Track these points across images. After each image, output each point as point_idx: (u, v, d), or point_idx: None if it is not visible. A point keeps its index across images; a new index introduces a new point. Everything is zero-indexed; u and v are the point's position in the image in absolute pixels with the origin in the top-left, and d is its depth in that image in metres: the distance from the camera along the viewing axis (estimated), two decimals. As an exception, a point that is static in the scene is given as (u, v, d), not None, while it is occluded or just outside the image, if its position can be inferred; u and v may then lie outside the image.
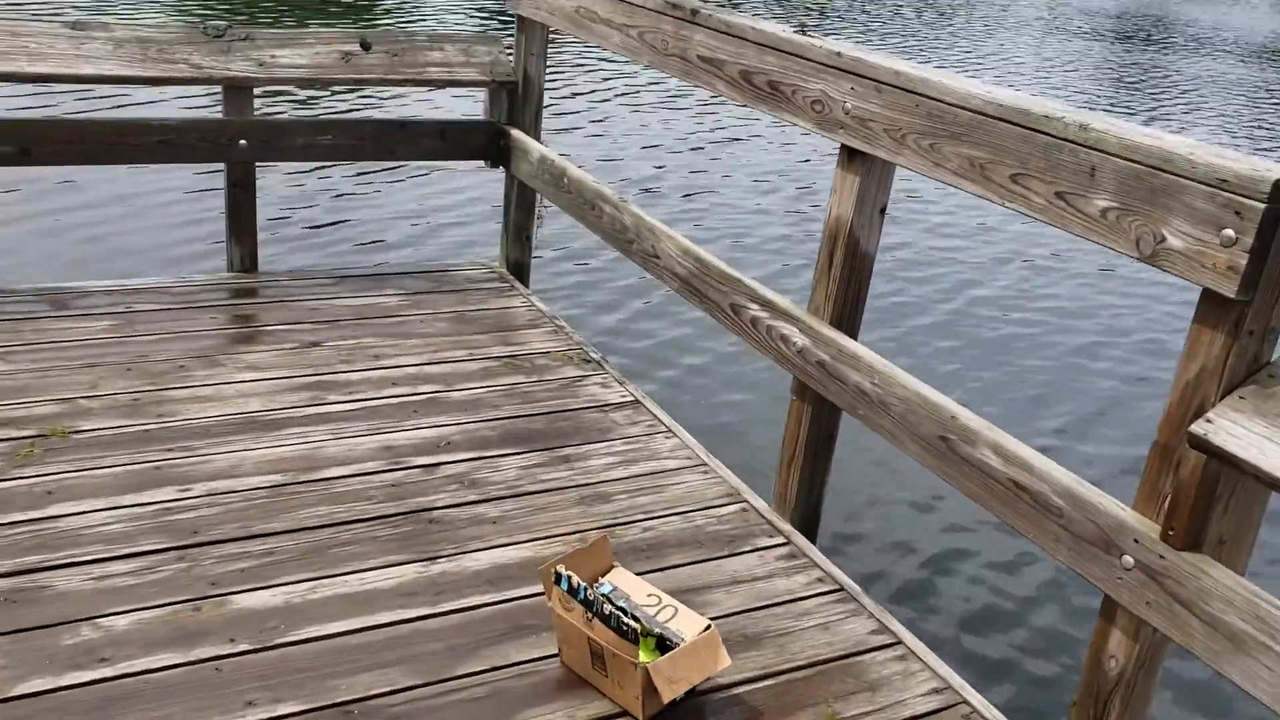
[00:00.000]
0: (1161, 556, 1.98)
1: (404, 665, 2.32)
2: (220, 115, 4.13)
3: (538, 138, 4.47)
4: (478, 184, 7.68)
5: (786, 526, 2.98)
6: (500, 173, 4.65)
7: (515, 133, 4.44)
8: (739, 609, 2.62)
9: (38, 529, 2.63)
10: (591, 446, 3.32)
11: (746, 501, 3.09)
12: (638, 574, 2.57)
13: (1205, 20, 26.76)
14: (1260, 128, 13.65)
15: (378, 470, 3.04)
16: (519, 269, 4.65)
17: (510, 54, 4.44)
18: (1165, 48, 20.44)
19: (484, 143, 4.55)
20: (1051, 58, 17.32)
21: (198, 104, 7.90)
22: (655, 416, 3.54)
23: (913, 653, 2.53)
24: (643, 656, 2.15)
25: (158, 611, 2.40)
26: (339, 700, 2.20)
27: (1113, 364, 6.23)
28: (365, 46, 4.21)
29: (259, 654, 2.31)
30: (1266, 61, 19.77)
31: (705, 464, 3.27)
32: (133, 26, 4.02)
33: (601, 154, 9.04)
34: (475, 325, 4.08)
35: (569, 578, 2.27)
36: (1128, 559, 2.04)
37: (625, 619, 2.17)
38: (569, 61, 12.29)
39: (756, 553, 2.86)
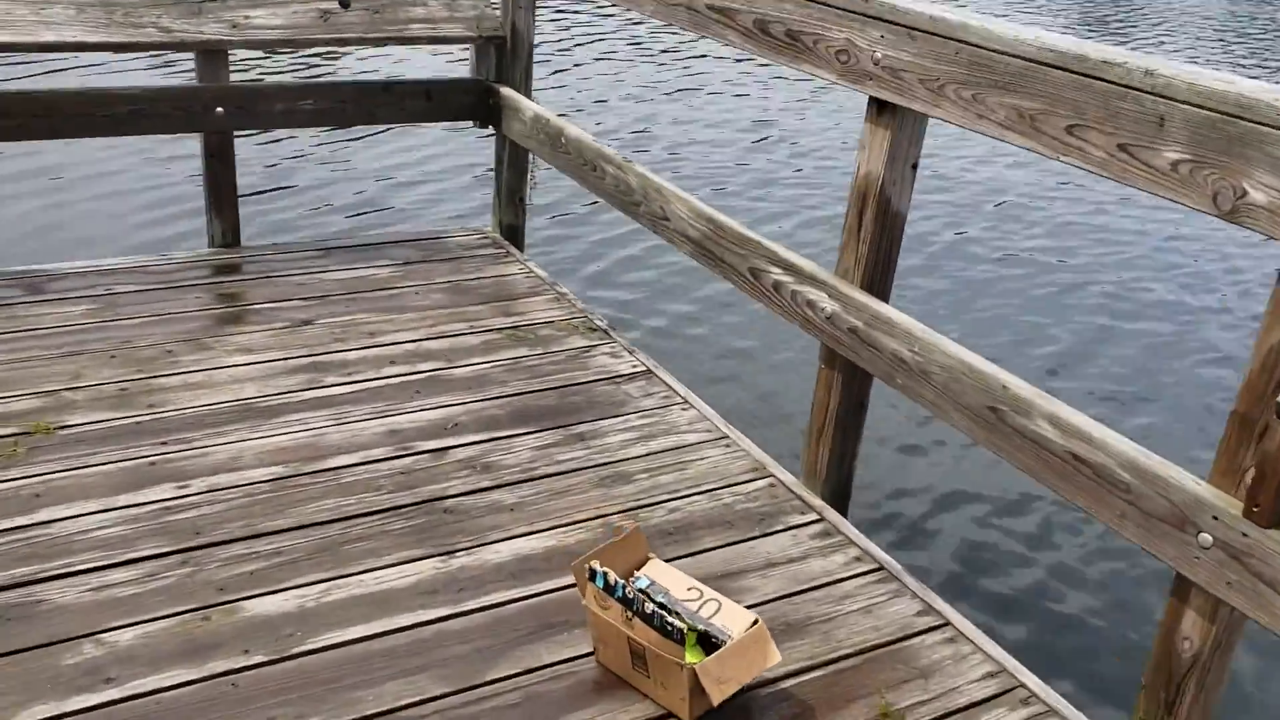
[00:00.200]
0: (1245, 534, 1.85)
1: (431, 672, 2.18)
2: (194, 82, 3.90)
3: (529, 95, 4.27)
4: (466, 147, 7.43)
5: (818, 502, 2.85)
6: (490, 134, 4.45)
7: (505, 90, 4.24)
8: (777, 594, 2.49)
9: (28, 536, 2.46)
10: (607, 422, 3.16)
11: (774, 476, 2.95)
12: (668, 560, 2.44)
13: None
14: (1237, 65, 13.50)
15: (385, 457, 2.88)
16: (513, 234, 4.46)
17: (497, 7, 4.22)
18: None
19: (472, 102, 4.34)
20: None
21: (170, 71, 7.59)
22: (670, 387, 3.39)
23: (962, 634, 2.42)
24: (688, 657, 2.02)
25: (164, 623, 2.25)
26: (366, 714, 2.06)
27: (1170, 326, 5.87)
28: (344, 4, 3.98)
29: (276, 665, 2.16)
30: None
31: (726, 436, 3.13)
32: (95, -11, 3.77)
33: (593, 113, 8.76)
34: (473, 295, 3.90)
35: (605, 574, 2.13)
36: (1205, 537, 1.91)
37: (669, 618, 2.03)
38: (554, 18, 11.95)
39: (789, 532, 2.73)
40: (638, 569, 2.26)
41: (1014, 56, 2.16)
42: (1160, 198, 1.96)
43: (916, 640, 2.39)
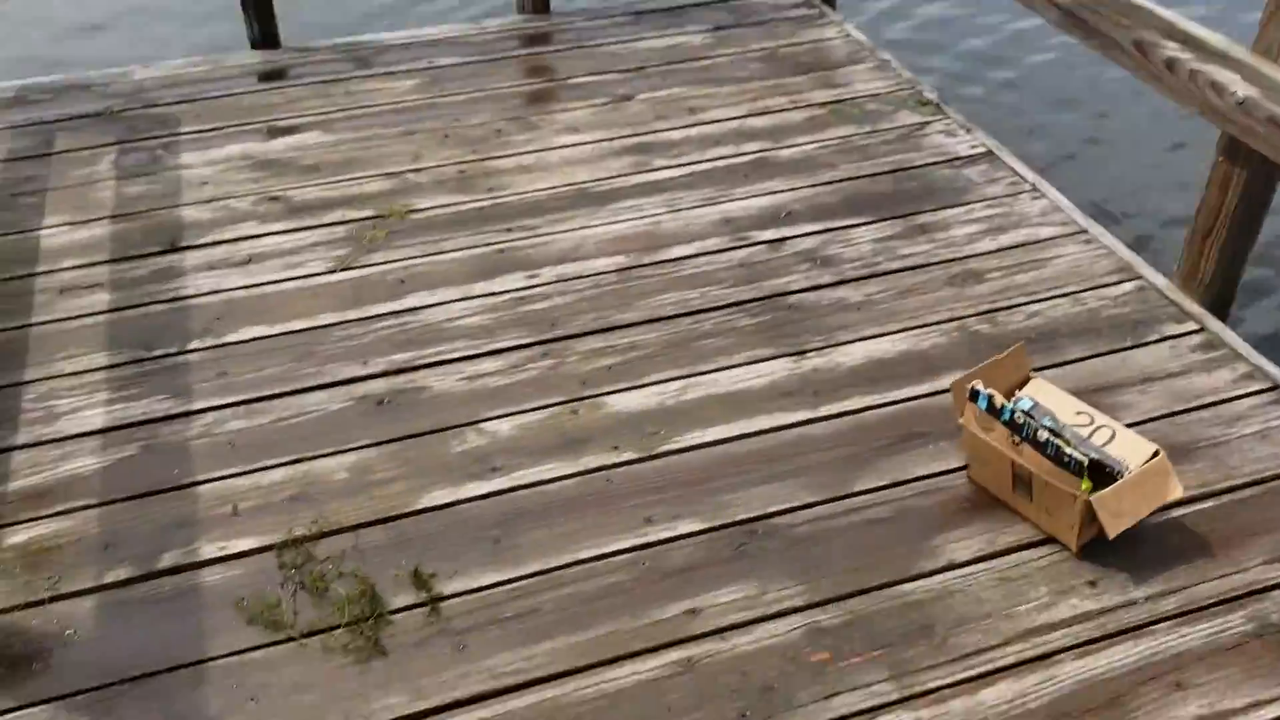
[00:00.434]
0: None
1: (796, 479, 2.18)
2: None
3: None
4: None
5: (1196, 309, 2.59)
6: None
7: None
8: (1157, 413, 2.31)
9: (400, 323, 2.58)
10: (949, 212, 2.96)
11: (1143, 278, 2.70)
12: (1034, 371, 2.29)
13: None
14: None
15: (721, 249, 2.82)
16: (826, -9, 4.13)
17: None
18: None
19: None
20: None
21: None
22: (1015, 172, 3.12)
23: (1377, 469, 2.19)
24: (1083, 486, 1.91)
25: (535, 415, 2.33)
26: (739, 519, 2.09)
27: None
28: None
29: (645, 464, 2.22)
30: None
31: (1085, 231, 2.87)
32: None
33: None
34: (790, 65, 3.67)
35: (989, 397, 2.02)
36: None
37: (1065, 448, 1.92)
38: None
39: (1166, 342, 2.51)
40: (1019, 388, 2.14)
41: None
42: None
43: (1322, 474, 2.18)
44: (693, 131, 3.31)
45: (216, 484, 2.16)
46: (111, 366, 2.43)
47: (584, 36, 3.84)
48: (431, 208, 2.98)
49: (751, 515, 2.10)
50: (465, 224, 2.91)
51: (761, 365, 2.46)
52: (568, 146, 3.23)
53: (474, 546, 2.05)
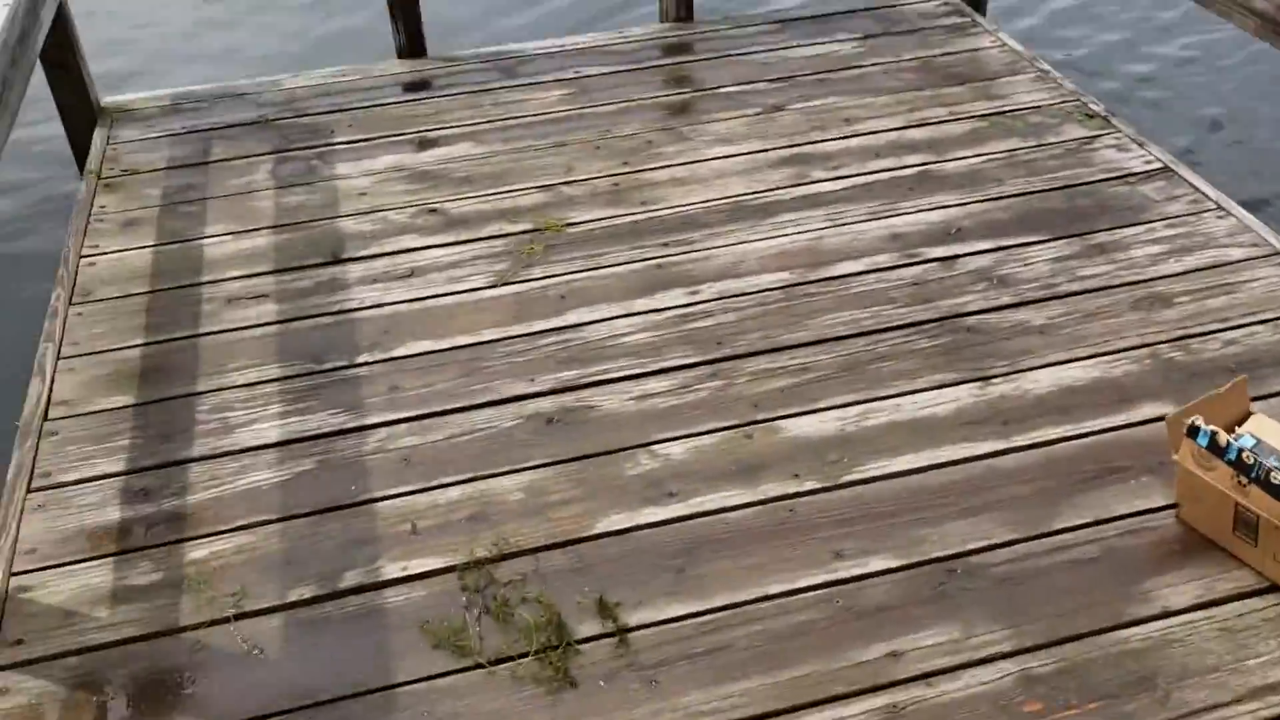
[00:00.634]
0: None
1: (993, 514, 2.07)
2: None
3: None
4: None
5: None
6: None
7: None
8: (1380, 453, 2.15)
9: (564, 339, 2.53)
10: (1127, 231, 2.82)
11: (1350, 305, 2.53)
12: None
13: None
14: None
15: (891, 266, 2.72)
16: (976, -1, 4.00)
17: None
18: None
19: None
20: None
21: None
22: (1196, 189, 2.96)
23: None
24: (1321, 535, 1.78)
25: (708, 439, 2.26)
26: (935, 555, 1.99)
27: None
28: None
29: (830, 493, 2.13)
30: None
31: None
32: None
33: None
34: (945, 75, 3.55)
35: (1212, 433, 1.89)
36: None
37: (1305, 493, 1.78)
38: None
39: (1382, 375, 2.34)
40: (1238, 424, 2.00)
41: None
42: None
43: None
44: (851, 143, 3.21)
45: (394, 501, 2.13)
46: (283, 379, 2.43)
47: (729, 45, 3.77)
48: (587, 221, 2.93)
49: (949, 553, 2.00)
50: (621, 238, 2.86)
51: (945, 391, 2.35)
52: (721, 158, 3.16)
53: (656, 575, 1.98)
